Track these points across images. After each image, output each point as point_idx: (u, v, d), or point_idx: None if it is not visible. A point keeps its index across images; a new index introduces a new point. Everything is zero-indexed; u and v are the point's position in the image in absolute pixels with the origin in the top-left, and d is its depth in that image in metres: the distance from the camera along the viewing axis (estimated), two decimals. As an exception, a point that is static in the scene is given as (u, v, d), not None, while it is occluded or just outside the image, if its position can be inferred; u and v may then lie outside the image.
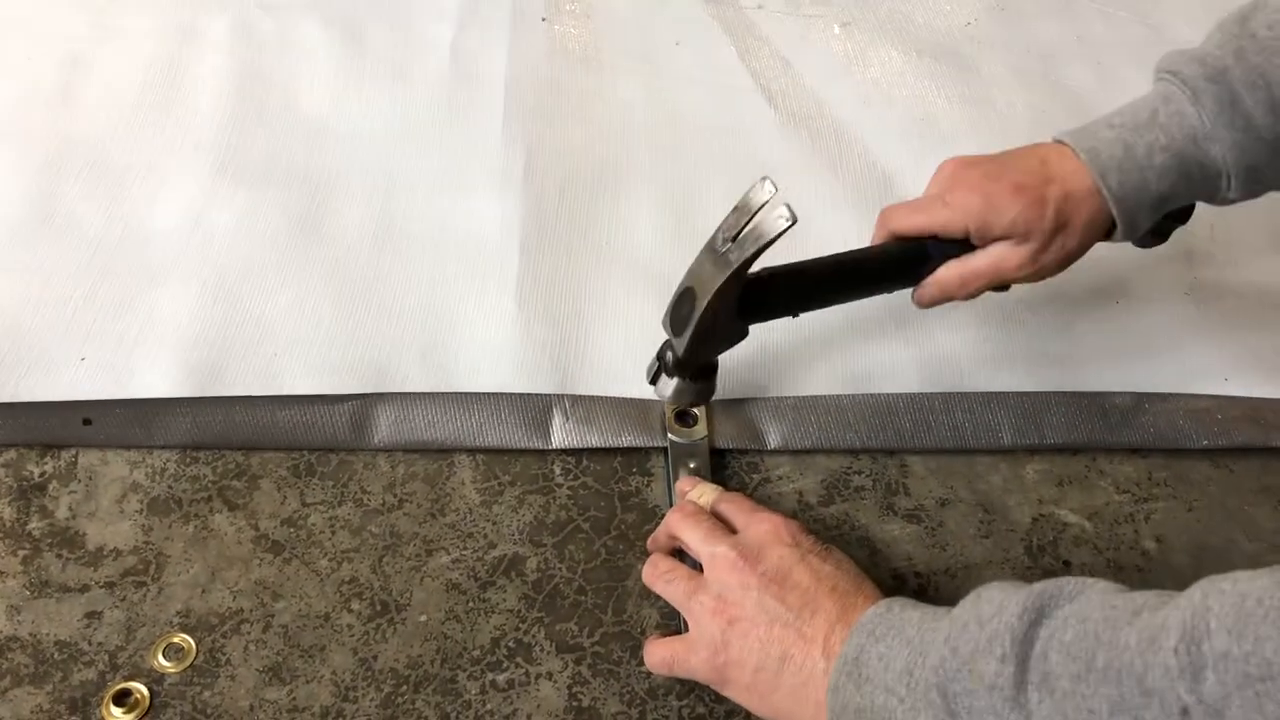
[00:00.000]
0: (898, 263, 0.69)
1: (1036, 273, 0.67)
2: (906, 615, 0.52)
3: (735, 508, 0.62)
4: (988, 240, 0.66)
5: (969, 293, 0.68)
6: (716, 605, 0.56)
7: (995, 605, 0.47)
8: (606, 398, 0.71)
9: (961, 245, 0.67)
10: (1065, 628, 0.45)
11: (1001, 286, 0.70)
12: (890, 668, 0.49)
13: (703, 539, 0.60)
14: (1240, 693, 0.38)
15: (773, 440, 0.71)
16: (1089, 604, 0.45)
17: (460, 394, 0.71)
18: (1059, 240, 0.65)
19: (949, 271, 0.67)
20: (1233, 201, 0.66)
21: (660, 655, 0.59)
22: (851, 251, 0.69)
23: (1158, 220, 0.67)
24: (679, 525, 0.62)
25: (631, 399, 0.72)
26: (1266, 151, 0.62)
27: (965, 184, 0.66)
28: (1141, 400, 0.73)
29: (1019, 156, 0.67)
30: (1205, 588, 0.41)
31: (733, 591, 0.56)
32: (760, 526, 0.59)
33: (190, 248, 0.79)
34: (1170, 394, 0.73)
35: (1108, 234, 0.67)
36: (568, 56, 0.97)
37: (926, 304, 0.69)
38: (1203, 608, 0.40)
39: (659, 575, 0.61)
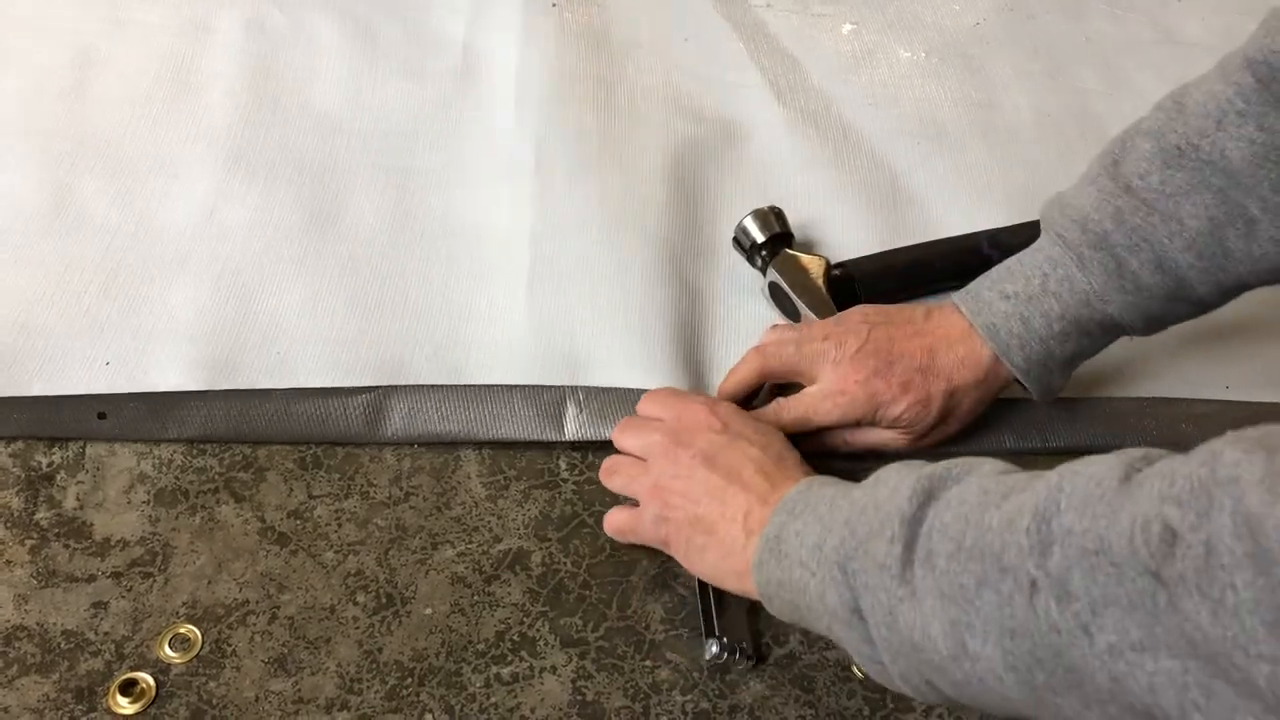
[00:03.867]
0: (964, 264, 0.75)
1: (918, 446, 0.69)
2: (821, 493, 0.55)
3: (662, 401, 0.67)
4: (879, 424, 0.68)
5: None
6: (654, 488, 0.62)
7: (889, 488, 0.50)
8: (620, 389, 0.71)
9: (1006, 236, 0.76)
10: (946, 509, 0.48)
11: None
12: (804, 543, 0.53)
13: (635, 433, 0.65)
14: (1079, 564, 0.41)
15: None
16: (969, 487, 0.48)
17: (473, 386, 0.71)
18: (940, 429, 0.69)
19: (857, 438, 0.69)
20: (1147, 334, 0.67)
21: (617, 523, 0.65)
22: (921, 249, 0.79)
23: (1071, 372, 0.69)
24: (618, 437, 0.67)
25: (646, 390, 0.71)
26: (1160, 303, 0.64)
27: (856, 376, 0.67)
28: (1144, 406, 0.73)
29: (907, 343, 0.67)
30: (1062, 471, 0.45)
31: (665, 474, 0.62)
32: (692, 414, 0.64)
33: (203, 243, 0.79)
34: (1172, 399, 0.73)
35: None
36: (578, 53, 0.97)
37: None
38: (1056, 488, 0.43)
39: (608, 472, 0.66)
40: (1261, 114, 0.60)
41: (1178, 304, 0.64)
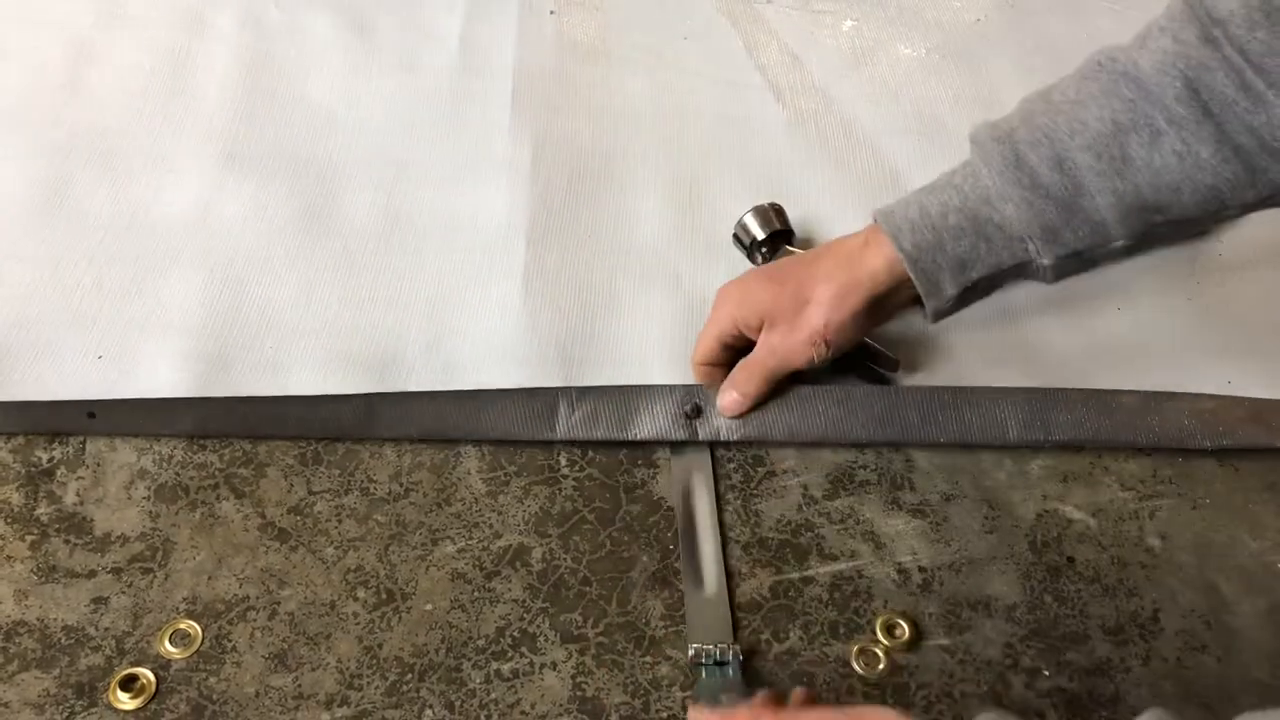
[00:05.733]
0: None
1: (793, 354, 0.68)
2: None
3: None
4: (754, 331, 0.69)
5: (760, 388, 0.70)
6: None
7: None
8: (613, 387, 0.71)
9: None
10: None
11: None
12: None
13: None
14: None
15: (778, 432, 0.71)
16: None
17: (466, 391, 0.71)
18: (803, 318, 0.67)
19: (735, 373, 0.70)
20: (1051, 274, 0.65)
21: None
22: None
23: (968, 288, 0.67)
24: None
25: (638, 385, 0.71)
26: (1057, 210, 0.63)
27: (736, 284, 0.71)
28: (1148, 399, 0.73)
29: (797, 258, 0.72)
30: None
31: None
32: None
33: (197, 236, 0.79)
34: (1177, 393, 0.73)
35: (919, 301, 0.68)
36: (575, 49, 0.97)
37: (732, 412, 0.70)
38: None
39: None
40: (1180, 28, 0.61)
41: (1076, 217, 0.63)
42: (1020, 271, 0.66)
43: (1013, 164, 0.62)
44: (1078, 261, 0.65)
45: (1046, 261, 0.64)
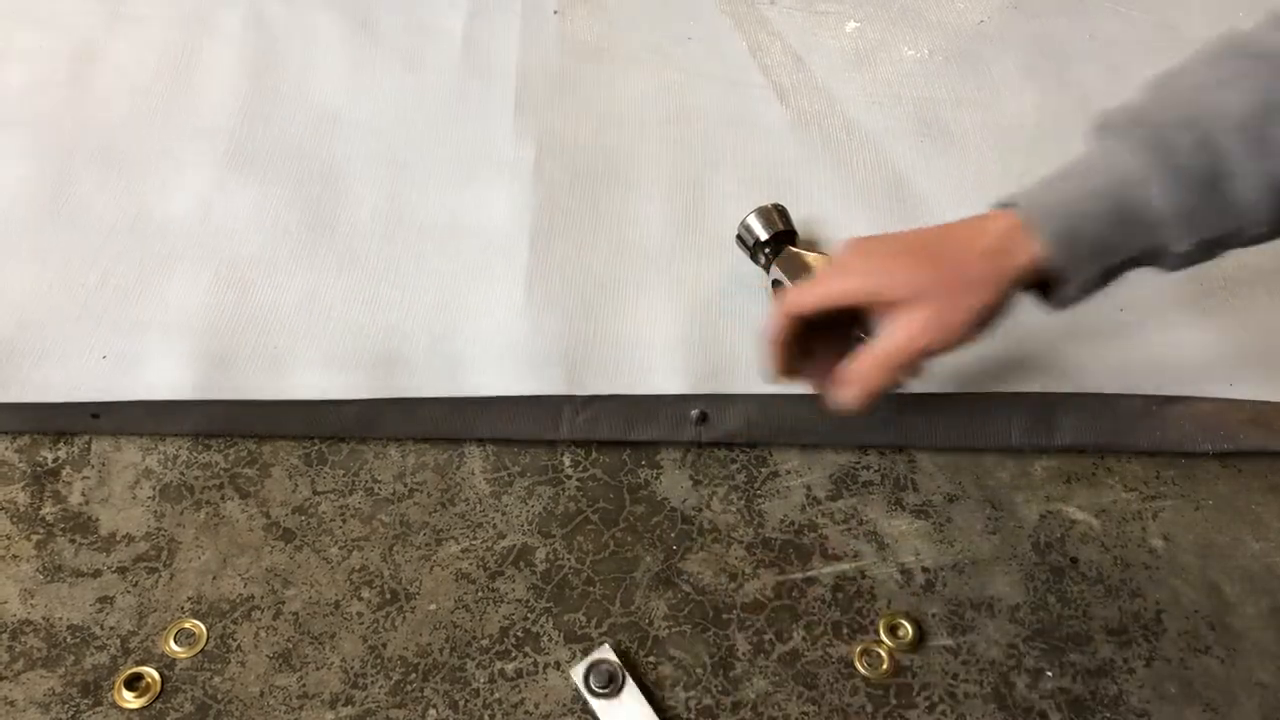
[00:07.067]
0: None
1: (948, 337, 0.61)
2: None
3: None
4: (883, 309, 0.61)
5: (890, 376, 0.61)
6: None
7: None
8: (615, 396, 0.71)
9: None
10: None
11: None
12: None
13: None
14: None
15: (782, 435, 0.71)
16: None
17: (469, 399, 0.71)
18: (962, 298, 0.61)
19: (863, 361, 0.61)
20: (1179, 261, 0.62)
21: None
22: None
23: (1100, 276, 0.62)
24: None
25: (639, 395, 0.72)
26: (1202, 193, 0.60)
27: (862, 252, 0.63)
28: (1150, 403, 0.73)
29: (927, 234, 0.64)
30: None
31: None
32: None
33: (201, 236, 0.79)
34: (1176, 397, 0.73)
35: (1044, 289, 0.63)
36: (579, 49, 0.97)
37: (848, 402, 0.62)
38: None
39: None
40: None
41: (1221, 200, 0.60)
42: (1150, 259, 0.62)
43: (1154, 147, 0.60)
44: (1208, 249, 0.62)
45: (1182, 249, 0.61)
